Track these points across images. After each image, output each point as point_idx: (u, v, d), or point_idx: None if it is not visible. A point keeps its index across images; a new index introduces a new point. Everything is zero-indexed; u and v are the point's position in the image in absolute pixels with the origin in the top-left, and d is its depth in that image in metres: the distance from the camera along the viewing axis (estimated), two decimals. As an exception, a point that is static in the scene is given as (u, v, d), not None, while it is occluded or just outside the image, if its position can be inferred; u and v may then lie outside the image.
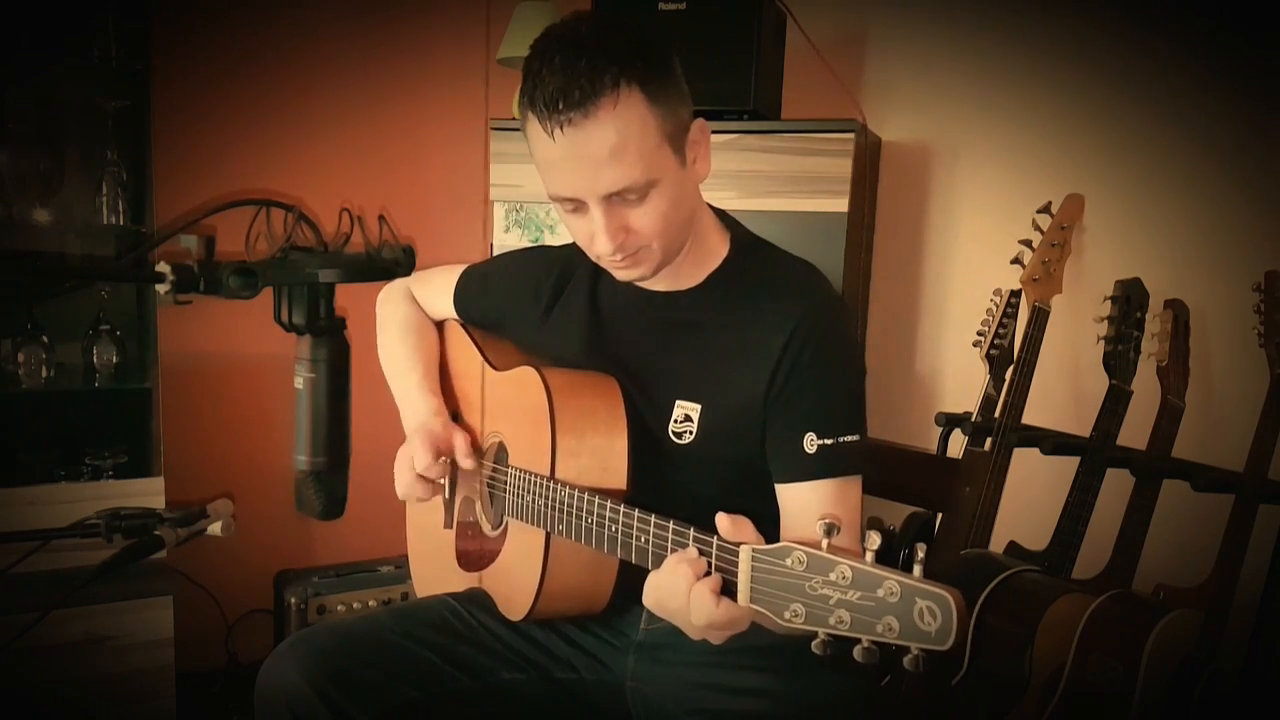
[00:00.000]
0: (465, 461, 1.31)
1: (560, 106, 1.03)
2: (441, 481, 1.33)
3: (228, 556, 2.21)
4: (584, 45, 1.05)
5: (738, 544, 0.92)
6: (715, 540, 0.95)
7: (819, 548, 0.85)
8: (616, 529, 1.07)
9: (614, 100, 1.04)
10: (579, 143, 1.05)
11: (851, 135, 1.98)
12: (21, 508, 1.95)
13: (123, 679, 1.99)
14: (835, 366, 1.17)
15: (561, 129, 1.05)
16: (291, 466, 1.20)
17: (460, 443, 1.31)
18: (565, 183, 1.09)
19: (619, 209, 1.10)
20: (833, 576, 0.83)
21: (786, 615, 0.86)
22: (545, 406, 1.19)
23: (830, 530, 0.84)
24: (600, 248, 1.12)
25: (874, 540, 0.82)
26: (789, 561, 0.86)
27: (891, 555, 0.90)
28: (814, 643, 0.85)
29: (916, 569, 0.79)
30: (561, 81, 1.03)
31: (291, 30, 2.50)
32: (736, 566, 0.91)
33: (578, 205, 1.11)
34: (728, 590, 0.93)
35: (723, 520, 0.94)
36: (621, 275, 1.19)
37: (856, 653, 0.82)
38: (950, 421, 2.04)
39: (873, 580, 0.80)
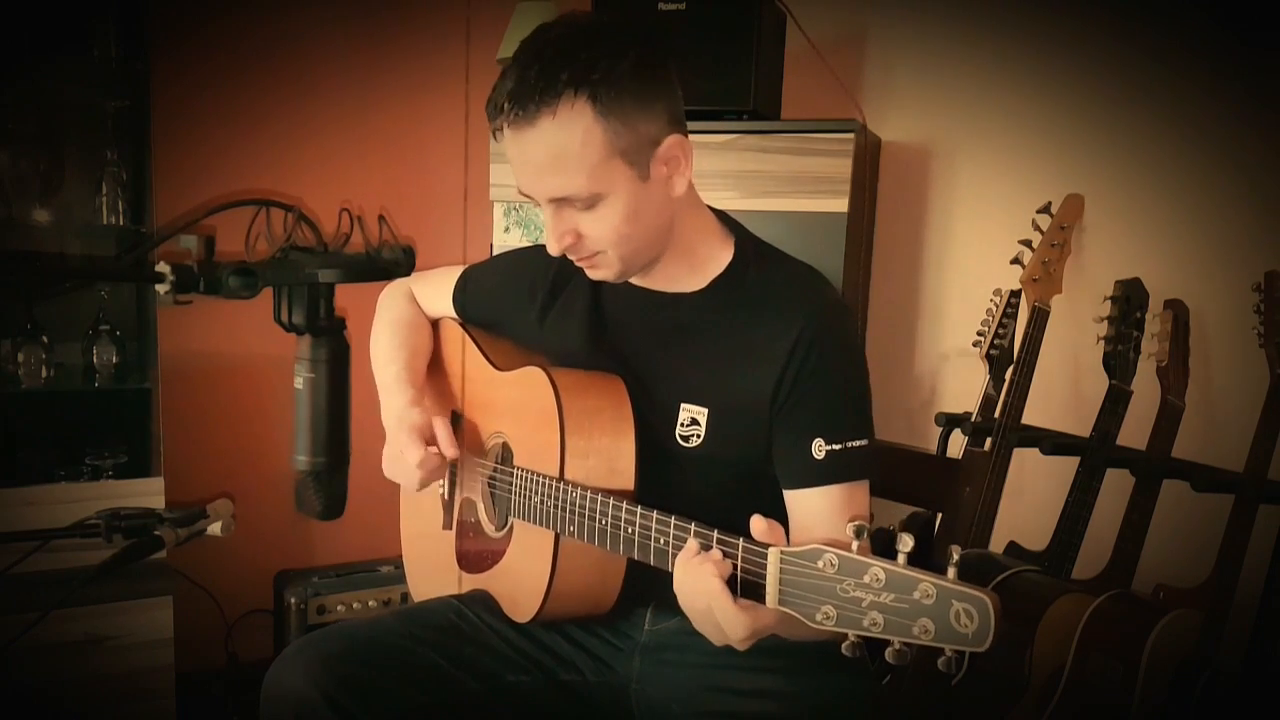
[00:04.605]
0: (449, 450, 1.30)
1: (504, 109, 1.07)
2: (441, 485, 1.33)
3: (228, 556, 2.21)
4: (543, 53, 1.06)
5: (766, 546, 0.91)
6: (741, 542, 0.93)
7: (848, 549, 0.84)
8: (633, 530, 1.06)
9: (553, 112, 1.05)
10: (518, 146, 1.09)
11: (851, 135, 1.98)
12: (21, 508, 1.95)
13: (123, 679, 1.99)
14: (842, 372, 1.17)
15: (502, 130, 1.09)
16: (291, 466, 1.20)
17: (441, 430, 1.31)
18: (518, 180, 1.14)
19: (567, 212, 1.13)
20: (866, 579, 0.82)
21: (818, 618, 0.85)
22: (554, 407, 1.19)
23: (860, 532, 0.84)
24: (548, 248, 1.17)
25: (906, 543, 0.81)
26: (820, 564, 0.85)
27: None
28: (844, 645, 0.85)
29: (951, 571, 0.79)
30: (510, 87, 1.07)
31: (291, 30, 2.50)
32: (765, 569, 0.90)
33: (538, 201, 1.15)
34: (754, 593, 0.92)
35: (758, 523, 0.93)
36: (589, 275, 1.22)
37: (889, 654, 0.81)
38: (950, 421, 2.04)
39: (907, 583, 0.80)
